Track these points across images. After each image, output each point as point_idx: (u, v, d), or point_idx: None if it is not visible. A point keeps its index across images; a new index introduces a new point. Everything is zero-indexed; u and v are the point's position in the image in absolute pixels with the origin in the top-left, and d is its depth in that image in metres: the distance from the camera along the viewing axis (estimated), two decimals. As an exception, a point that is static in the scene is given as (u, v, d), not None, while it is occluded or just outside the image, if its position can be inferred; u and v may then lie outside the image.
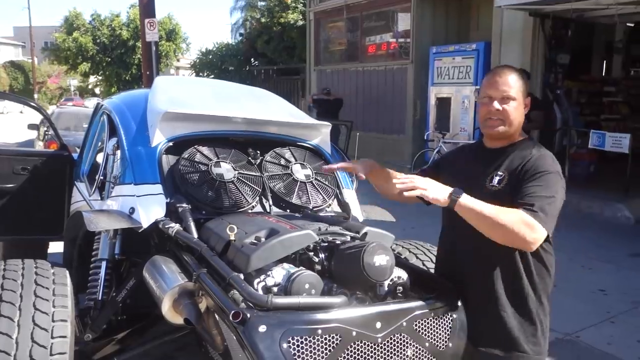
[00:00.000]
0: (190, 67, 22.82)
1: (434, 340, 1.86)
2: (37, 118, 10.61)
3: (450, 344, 1.89)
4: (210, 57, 20.65)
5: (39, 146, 7.72)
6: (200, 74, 20.64)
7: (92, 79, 29.33)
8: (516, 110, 1.91)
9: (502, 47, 8.44)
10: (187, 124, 2.70)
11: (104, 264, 2.61)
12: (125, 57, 24.95)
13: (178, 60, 36.25)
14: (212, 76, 19.36)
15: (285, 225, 2.06)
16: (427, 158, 9.28)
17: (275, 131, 2.93)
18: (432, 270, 2.40)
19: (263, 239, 1.97)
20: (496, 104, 1.90)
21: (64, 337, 1.97)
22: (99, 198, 2.98)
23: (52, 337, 1.95)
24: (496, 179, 1.91)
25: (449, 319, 1.91)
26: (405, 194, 1.78)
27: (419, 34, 9.97)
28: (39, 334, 1.92)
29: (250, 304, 1.69)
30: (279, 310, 1.66)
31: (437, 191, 1.79)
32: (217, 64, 20.01)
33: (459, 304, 1.96)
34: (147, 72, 12.03)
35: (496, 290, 1.91)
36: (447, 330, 1.90)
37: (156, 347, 2.91)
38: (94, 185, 3.10)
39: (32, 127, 7.76)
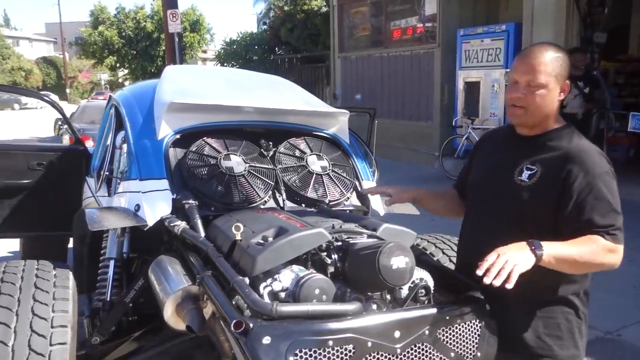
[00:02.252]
0: (215, 57, 22.81)
1: (461, 349, 1.67)
2: (69, 113, 10.73)
3: (479, 354, 1.70)
4: (235, 47, 20.59)
5: (66, 140, 7.77)
6: (225, 64, 20.60)
7: (122, 72, 29.69)
8: (544, 99, 1.67)
9: (533, 27, 8.03)
10: (195, 115, 2.55)
11: (112, 263, 2.49)
12: (150, 50, 25.11)
13: (205, 52, 36.35)
14: (237, 66, 19.29)
15: (296, 224, 1.89)
16: (456, 145, 8.98)
17: (290, 120, 2.76)
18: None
19: (270, 239, 1.81)
20: (521, 90, 1.67)
21: (64, 344, 1.86)
22: (107, 194, 2.87)
23: (51, 345, 1.83)
24: (526, 174, 1.70)
25: (477, 325, 1.72)
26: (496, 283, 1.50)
27: (445, 16, 9.60)
28: (36, 342, 1.81)
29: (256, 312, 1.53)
30: (286, 319, 1.49)
31: (524, 260, 1.53)
32: (242, 54, 19.94)
33: (488, 307, 1.76)
34: (171, 64, 12.00)
35: (516, 289, 1.66)
36: (475, 338, 1.71)
37: (172, 346, 2.80)
38: (102, 180, 3.00)
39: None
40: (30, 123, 14.00)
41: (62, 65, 42.92)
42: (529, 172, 1.69)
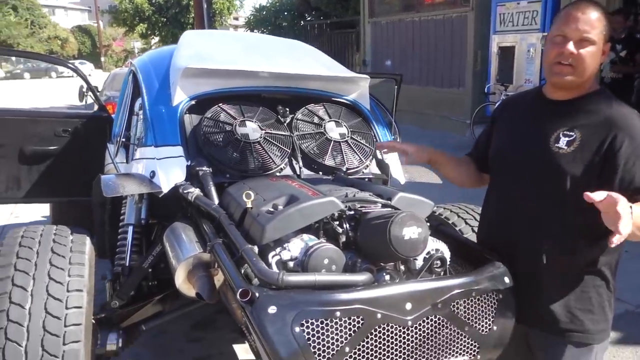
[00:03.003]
0: (245, 24, 22.62)
1: (476, 323, 1.62)
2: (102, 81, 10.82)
3: (495, 327, 1.64)
4: (264, 13, 20.33)
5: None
6: (255, 30, 20.42)
7: (154, 40, 29.81)
8: (592, 57, 1.55)
9: (573, -13, 7.63)
10: (211, 81, 2.50)
11: (130, 229, 2.51)
12: (180, 17, 25.02)
13: (236, 19, 36.09)
14: (266, 32, 19.10)
15: (308, 192, 1.85)
16: (488, 112, 8.71)
17: (308, 86, 2.68)
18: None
19: (281, 207, 1.77)
20: (571, 46, 1.54)
21: (79, 307, 1.88)
22: (124, 160, 2.87)
23: (67, 308, 1.85)
24: (564, 140, 1.58)
25: (494, 298, 1.65)
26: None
27: (480, -23, 9.21)
28: (52, 305, 1.83)
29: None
30: (293, 289, 1.46)
31: (627, 223, 1.32)
32: (271, 20, 19.69)
33: (507, 280, 1.69)
34: (200, 31, 11.93)
35: (549, 261, 1.63)
36: (492, 312, 1.65)
37: (193, 310, 2.83)
38: (118, 147, 3.00)
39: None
40: (66, 91, 14.28)
41: (96, 33, 43.40)
42: (568, 139, 1.58)
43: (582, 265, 1.63)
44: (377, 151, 2.66)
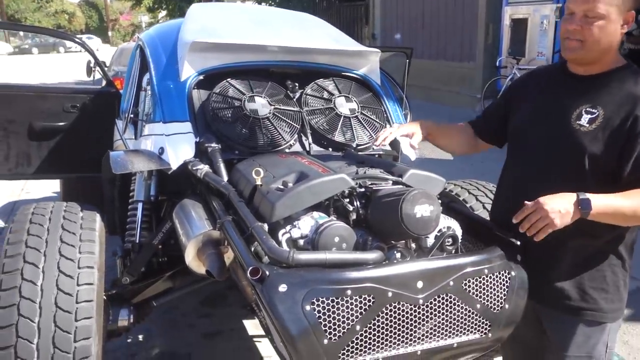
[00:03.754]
0: (253, -4, 22.27)
1: (488, 301, 1.60)
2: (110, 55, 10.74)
3: (507, 305, 1.63)
4: (272, -15, 20.00)
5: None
6: (263, 3, 20.13)
7: (162, 14, 29.51)
8: (602, 31, 1.49)
9: (590, -44, 7.41)
10: (219, 55, 2.46)
11: (140, 205, 2.50)
12: (188, -10, 24.73)
13: (243, -9, 35.62)
14: (274, 5, 18.81)
15: (318, 169, 1.82)
16: (500, 86, 8.59)
17: (318, 60, 2.63)
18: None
19: (290, 184, 1.74)
20: (575, 22, 1.50)
21: (91, 284, 1.89)
22: (133, 137, 2.85)
23: (78, 285, 1.86)
24: (586, 117, 1.53)
25: (506, 276, 1.64)
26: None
27: (493, -53, 8.98)
28: (64, 281, 1.84)
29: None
30: (303, 267, 1.45)
31: (564, 216, 1.45)
32: (279, -7, 19.37)
33: (520, 258, 1.67)
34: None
35: (564, 239, 1.59)
36: (504, 290, 1.63)
37: (204, 286, 2.85)
38: (127, 123, 2.98)
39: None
40: (75, 66, 14.26)
41: (103, 7, 43.08)
42: (590, 116, 1.53)
43: (598, 244, 1.60)
44: (387, 126, 2.62)
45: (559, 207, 1.45)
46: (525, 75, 1.91)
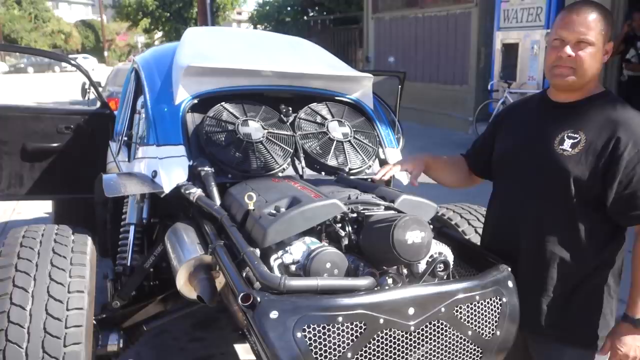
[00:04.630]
0: (248, 19, 22.57)
1: (479, 327, 1.60)
2: (105, 76, 10.78)
3: (498, 332, 1.63)
4: (268, 8, 20.29)
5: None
6: (258, 25, 20.39)
7: (157, 35, 29.79)
8: (592, 58, 1.55)
9: (579, -16, 7.57)
10: (213, 79, 2.48)
11: (132, 228, 2.50)
12: (184, 12, 25.02)
13: (239, 14, 36.00)
14: (270, 28, 19.06)
15: (310, 193, 1.83)
16: (491, 110, 8.68)
17: (311, 85, 2.66)
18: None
19: (283, 209, 1.75)
20: (568, 49, 1.54)
21: (80, 309, 1.87)
22: (126, 159, 2.86)
23: (67, 309, 1.85)
24: (569, 142, 1.58)
25: (497, 302, 1.64)
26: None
27: (484, -26, 9.16)
28: (53, 306, 1.82)
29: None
30: (295, 294, 1.45)
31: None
32: (274, 15, 19.65)
33: (511, 284, 1.68)
34: (203, 26, 11.92)
35: (551, 265, 1.62)
36: (495, 316, 1.63)
37: (196, 309, 2.82)
38: (120, 145, 2.99)
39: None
40: (70, 86, 14.31)
41: (100, 28, 43.38)
42: (572, 141, 1.57)
43: (585, 269, 1.62)
44: (380, 150, 2.64)
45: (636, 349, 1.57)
46: (508, 107, 1.98)
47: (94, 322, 2.15)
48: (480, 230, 2.44)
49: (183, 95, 2.43)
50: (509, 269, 1.68)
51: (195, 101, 2.45)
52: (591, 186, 1.55)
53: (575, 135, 1.57)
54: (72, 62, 3.99)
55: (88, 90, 4.01)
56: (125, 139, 2.87)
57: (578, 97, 1.62)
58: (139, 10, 25.31)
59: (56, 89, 19.62)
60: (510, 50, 8.60)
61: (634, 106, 1.62)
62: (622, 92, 6.77)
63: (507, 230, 1.75)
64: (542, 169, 1.63)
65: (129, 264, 2.46)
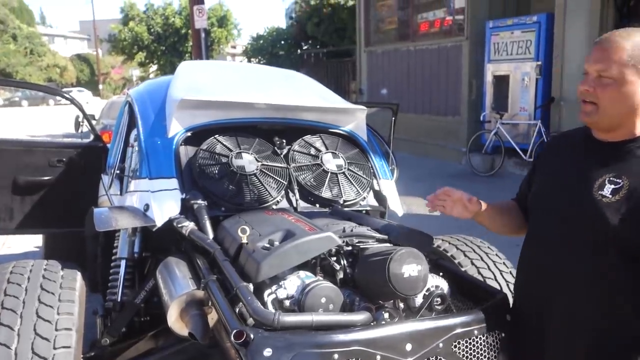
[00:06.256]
0: (242, 52, 22.89)
1: (478, 363, 1.56)
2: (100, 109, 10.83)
3: (498, 368, 1.59)
4: (261, 42, 20.59)
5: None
6: (252, 59, 20.65)
7: (152, 68, 30.11)
8: (617, 93, 1.37)
9: (566, 17, 7.75)
10: (207, 112, 2.49)
11: (123, 263, 2.45)
12: (179, 46, 25.37)
13: (234, 47, 36.54)
14: (264, 61, 19.30)
15: (304, 227, 1.81)
16: (484, 140, 8.75)
17: (305, 117, 2.67)
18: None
19: (277, 243, 1.72)
20: (588, 83, 1.40)
21: (68, 347, 1.81)
22: (119, 192, 2.83)
23: (55, 348, 1.78)
24: (609, 188, 1.39)
25: (496, 337, 1.61)
26: None
27: (474, 8, 9.34)
28: (39, 345, 1.76)
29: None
30: (289, 330, 1.41)
31: None
32: (268, 49, 19.92)
33: (508, 317, 1.65)
34: (198, 60, 12.07)
35: (586, 322, 1.43)
36: (494, 351, 1.59)
37: (188, 345, 2.75)
38: (112, 178, 2.97)
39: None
40: (63, 119, 14.39)
41: (95, 62, 43.84)
42: (613, 187, 1.39)
43: (622, 331, 1.41)
44: (375, 182, 2.63)
45: None
46: (548, 143, 1.77)
47: (82, 360, 2.08)
48: (476, 263, 2.42)
49: (176, 128, 2.42)
50: (508, 301, 1.65)
51: (189, 134, 2.45)
52: (630, 238, 1.36)
53: (618, 180, 1.39)
54: (66, 95, 4.00)
55: (81, 123, 4.01)
56: (118, 172, 2.85)
57: (622, 136, 1.43)
58: (135, 44, 25.62)
59: (50, 122, 19.65)
60: (502, 82, 8.74)
61: None
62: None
63: (536, 284, 1.55)
64: (578, 214, 1.44)
65: (119, 299, 2.40)
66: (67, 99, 3.85)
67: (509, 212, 1.74)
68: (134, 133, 2.79)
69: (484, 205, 1.69)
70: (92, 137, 3.90)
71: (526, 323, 1.58)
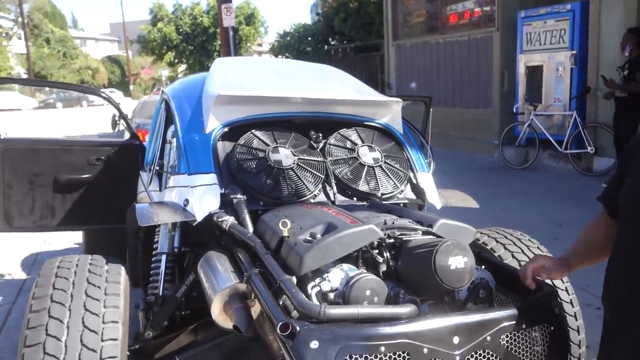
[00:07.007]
0: (269, 50, 23.00)
1: (527, 357, 1.53)
2: (131, 109, 11.05)
3: (547, 362, 1.55)
4: (288, 39, 20.63)
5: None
6: (279, 56, 20.71)
7: (181, 68, 30.53)
8: None
9: (602, 5, 7.52)
10: (243, 107, 2.50)
11: (164, 257, 2.49)
12: (207, 45, 25.67)
13: (260, 45, 36.75)
14: (291, 58, 19.33)
15: (345, 219, 1.80)
16: (517, 133, 8.58)
17: (340, 111, 2.66)
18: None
19: (319, 236, 1.72)
20: None
21: (115, 339, 1.85)
22: (158, 189, 2.87)
23: (102, 340, 1.83)
24: None
25: (545, 330, 1.57)
26: None
27: (505, -3, 9.17)
28: (88, 337, 1.81)
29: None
30: (335, 323, 1.40)
31: None
32: (295, 46, 19.96)
33: (557, 310, 1.61)
34: (226, 58, 12.16)
35: None
36: (544, 344, 1.56)
37: (227, 339, 2.77)
38: (151, 175, 3.01)
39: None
40: (97, 119, 14.72)
41: (125, 63, 44.71)
42: None
43: None
44: (412, 175, 2.61)
45: None
46: (635, 139, 1.60)
47: (128, 353, 2.12)
48: (517, 256, 2.37)
49: (214, 124, 2.44)
50: (556, 293, 1.61)
51: (226, 129, 2.46)
52: None
53: None
54: (103, 94, 4.08)
55: (118, 122, 4.08)
56: (157, 168, 2.89)
57: None
58: (164, 45, 26.01)
59: (84, 123, 20.12)
60: (535, 73, 8.54)
61: (621, 126, 1.43)
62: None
63: (625, 299, 1.43)
64: None
65: (160, 293, 2.44)
66: (104, 98, 3.92)
67: (603, 244, 1.59)
68: (171, 130, 2.83)
69: (575, 260, 1.63)
70: (128, 135, 3.96)
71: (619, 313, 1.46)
